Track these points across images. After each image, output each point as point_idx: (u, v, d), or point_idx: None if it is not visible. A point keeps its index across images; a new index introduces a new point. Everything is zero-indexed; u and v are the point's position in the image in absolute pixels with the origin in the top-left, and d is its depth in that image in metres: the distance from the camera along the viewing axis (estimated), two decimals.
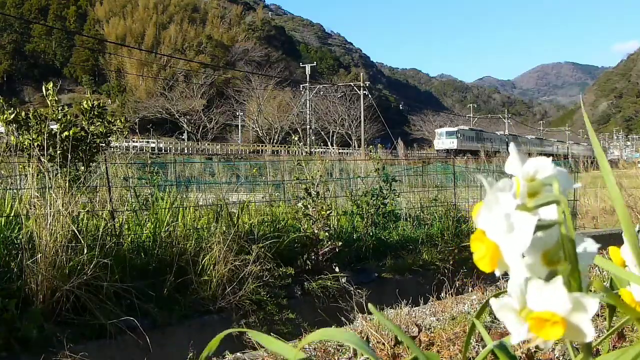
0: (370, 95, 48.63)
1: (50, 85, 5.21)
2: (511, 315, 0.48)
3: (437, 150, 54.05)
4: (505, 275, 0.49)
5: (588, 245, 0.50)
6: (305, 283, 4.99)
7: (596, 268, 3.58)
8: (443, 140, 53.67)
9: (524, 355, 2.23)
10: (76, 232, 3.86)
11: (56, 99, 5.25)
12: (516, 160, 0.50)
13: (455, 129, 55.83)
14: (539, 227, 0.47)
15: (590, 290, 0.54)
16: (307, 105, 48.70)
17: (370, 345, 2.59)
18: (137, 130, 21.43)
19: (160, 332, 3.89)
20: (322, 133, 59.02)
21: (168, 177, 8.45)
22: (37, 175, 4.24)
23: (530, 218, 0.46)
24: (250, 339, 2.87)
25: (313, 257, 5.24)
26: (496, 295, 0.59)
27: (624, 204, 0.51)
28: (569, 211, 0.50)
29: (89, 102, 5.60)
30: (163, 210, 4.94)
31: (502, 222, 0.46)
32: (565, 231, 0.48)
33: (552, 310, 0.45)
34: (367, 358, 2.45)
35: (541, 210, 0.49)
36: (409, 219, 6.97)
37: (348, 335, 0.61)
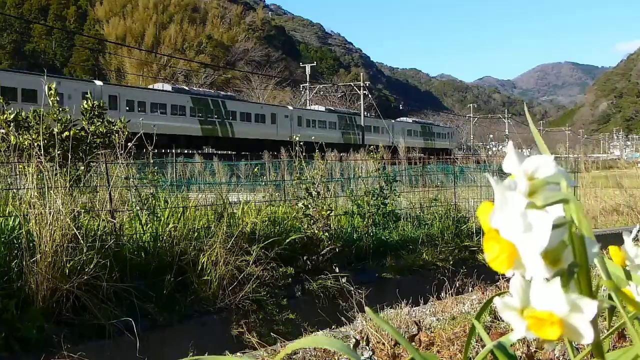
0: (370, 95, 48.61)
1: (53, 85, 5.21)
2: (513, 314, 0.48)
3: None
4: (505, 275, 0.49)
5: (591, 246, 0.50)
6: (306, 283, 4.99)
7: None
8: None
9: (523, 355, 2.23)
10: (76, 232, 3.85)
11: (57, 99, 5.26)
12: (514, 158, 0.50)
13: None
14: (553, 226, 0.47)
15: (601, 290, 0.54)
16: (307, 105, 48.63)
17: (370, 345, 2.59)
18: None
19: (160, 332, 3.89)
20: None
21: (168, 177, 8.46)
22: (37, 175, 4.23)
23: (548, 217, 0.45)
24: (250, 339, 2.87)
25: (313, 257, 5.23)
26: (499, 294, 0.59)
27: None
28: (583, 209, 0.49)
29: (89, 102, 5.60)
30: (163, 210, 4.94)
31: (519, 222, 0.45)
32: (575, 230, 0.47)
33: (550, 310, 0.45)
34: (370, 357, 2.45)
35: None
36: (409, 219, 6.97)
37: (333, 342, 0.60)
